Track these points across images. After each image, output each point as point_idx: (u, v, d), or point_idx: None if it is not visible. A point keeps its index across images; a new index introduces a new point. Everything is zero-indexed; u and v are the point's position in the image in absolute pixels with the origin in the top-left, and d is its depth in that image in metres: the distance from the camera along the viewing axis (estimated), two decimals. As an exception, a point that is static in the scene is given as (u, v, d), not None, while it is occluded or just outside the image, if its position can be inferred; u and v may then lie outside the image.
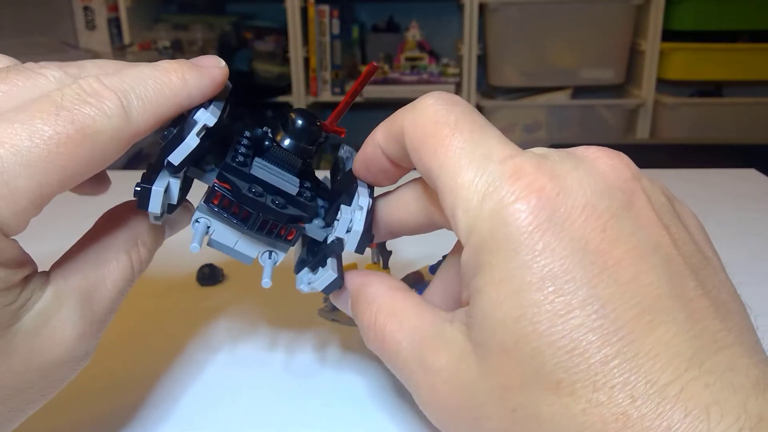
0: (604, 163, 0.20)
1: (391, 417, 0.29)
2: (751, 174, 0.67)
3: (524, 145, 0.21)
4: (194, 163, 0.24)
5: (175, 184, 0.23)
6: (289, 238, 0.24)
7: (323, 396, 0.31)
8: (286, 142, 0.25)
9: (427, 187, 0.23)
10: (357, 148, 0.26)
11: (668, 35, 1.91)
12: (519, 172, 0.19)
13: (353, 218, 0.24)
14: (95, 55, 1.75)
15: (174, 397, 0.31)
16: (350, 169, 0.26)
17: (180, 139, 0.22)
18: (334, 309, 0.37)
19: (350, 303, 0.25)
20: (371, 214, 0.25)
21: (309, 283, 0.25)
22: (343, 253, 0.25)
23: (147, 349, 0.35)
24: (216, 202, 0.23)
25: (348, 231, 0.24)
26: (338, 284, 0.25)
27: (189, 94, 0.23)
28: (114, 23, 2.02)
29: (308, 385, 0.32)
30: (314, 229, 0.25)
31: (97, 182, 0.27)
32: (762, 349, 0.18)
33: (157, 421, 0.29)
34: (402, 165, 0.24)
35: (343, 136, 0.27)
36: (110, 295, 0.23)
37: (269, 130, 0.26)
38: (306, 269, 0.26)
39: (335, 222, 0.25)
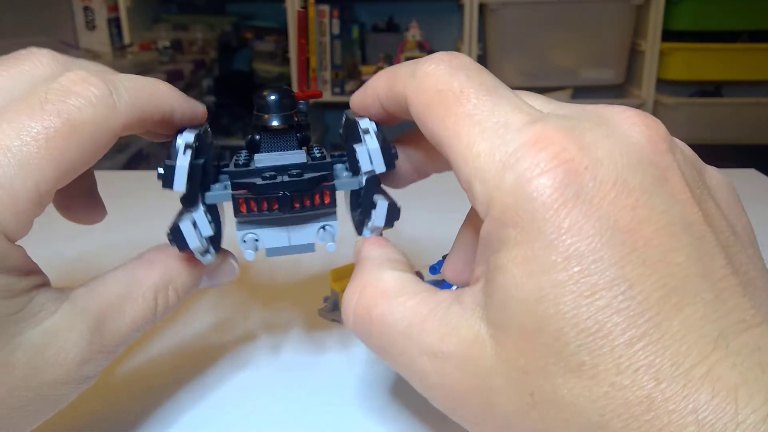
0: (639, 132, 0.18)
1: (391, 417, 0.29)
2: (751, 174, 0.67)
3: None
4: (206, 188, 0.24)
5: (200, 216, 0.23)
6: (327, 201, 0.25)
7: (322, 396, 0.31)
8: (273, 121, 0.25)
9: None
10: None
11: (668, 35, 1.91)
12: (543, 140, 0.18)
13: (366, 143, 0.24)
14: (95, 55, 1.75)
15: (169, 397, 0.31)
16: (350, 119, 0.26)
17: (172, 167, 0.22)
18: (334, 309, 0.38)
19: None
20: (381, 131, 0.25)
21: (368, 226, 0.25)
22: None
23: (143, 348, 0.35)
24: (244, 210, 0.24)
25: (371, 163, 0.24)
26: (396, 209, 0.25)
27: (172, 105, 0.24)
28: (114, 23, 2.02)
29: (308, 385, 0.32)
30: (345, 181, 0.25)
31: (93, 210, 0.27)
32: None
33: (158, 421, 0.29)
34: (401, 117, 0.24)
35: (320, 97, 0.28)
36: (126, 330, 0.23)
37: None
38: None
39: (357, 164, 0.25)
